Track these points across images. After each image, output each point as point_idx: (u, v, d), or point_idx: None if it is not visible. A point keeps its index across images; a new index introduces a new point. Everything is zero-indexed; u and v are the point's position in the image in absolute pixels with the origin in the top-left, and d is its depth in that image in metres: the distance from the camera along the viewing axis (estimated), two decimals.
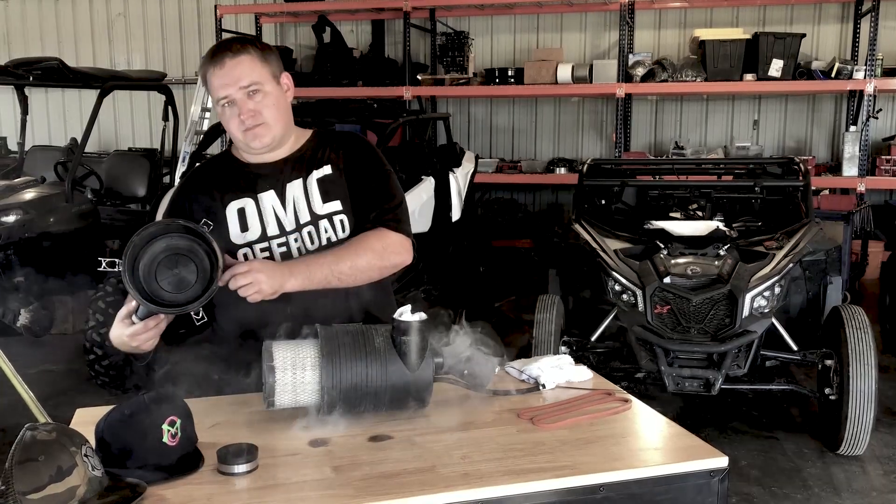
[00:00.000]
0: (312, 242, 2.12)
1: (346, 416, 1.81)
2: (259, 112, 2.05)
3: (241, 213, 2.12)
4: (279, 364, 1.75)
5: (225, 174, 2.18)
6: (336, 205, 2.13)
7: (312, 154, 2.18)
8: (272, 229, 2.12)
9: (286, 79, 2.14)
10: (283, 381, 1.74)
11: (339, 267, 2.03)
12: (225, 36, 8.80)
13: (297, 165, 2.16)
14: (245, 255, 2.10)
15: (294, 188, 2.14)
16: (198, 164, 2.49)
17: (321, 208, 2.13)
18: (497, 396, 1.98)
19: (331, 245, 2.11)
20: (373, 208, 2.13)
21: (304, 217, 2.12)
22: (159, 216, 5.13)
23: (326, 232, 2.12)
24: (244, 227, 2.11)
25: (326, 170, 2.16)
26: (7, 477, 1.35)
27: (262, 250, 2.11)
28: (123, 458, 1.53)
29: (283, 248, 2.11)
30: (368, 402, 1.79)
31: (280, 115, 2.11)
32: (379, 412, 1.83)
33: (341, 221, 2.13)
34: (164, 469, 1.54)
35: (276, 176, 2.15)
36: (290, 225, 2.12)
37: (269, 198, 2.13)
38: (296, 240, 2.12)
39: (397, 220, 2.15)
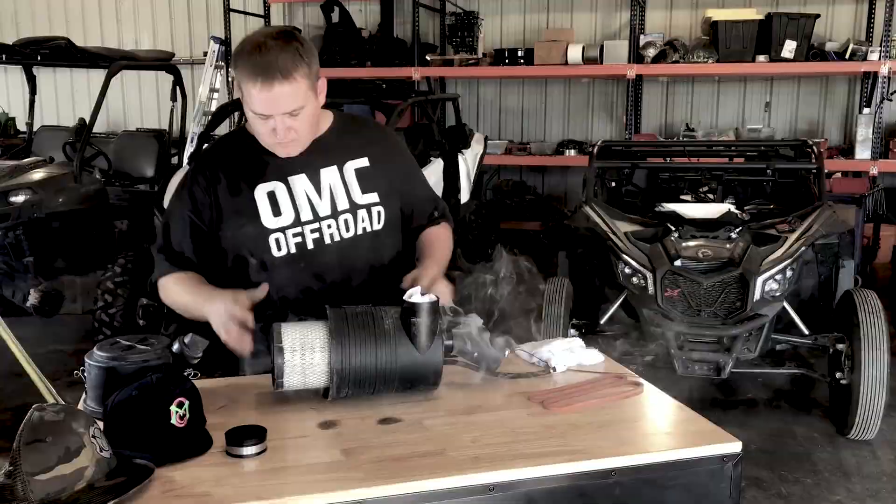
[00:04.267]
0: (348, 230, 2.11)
1: (356, 398, 1.80)
2: (295, 129, 2.00)
3: (272, 196, 2.08)
4: (287, 345, 1.73)
5: (248, 155, 2.10)
6: (374, 196, 2.15)
7: (340, 140, 2.16)
8: (306, 215, 2.09)
9: (322, 84, 2.05)
10: (291, 363, 1.73)
11: (446, 262, 2.18)
12: (234, 18, 8.76)
13: (328, 151, 2.13)
14: (277, 241, 2.07)
15: (329, 174, 2.12)
16: (211, 143, 2.41)
17: (360, 198, 2.13)
18: (507, 380, 1.97)
19: (366, 232, 2.13)
20: (426, 207, 2.25)
21: (343, 204, 2.11)
22: (167, 197, 5.12)
23: (363, 221, 2.13)
24: (276, 211, 2.07)
25: (363, 161, 2.16)
26: (15, 458, 1.34)
27: (295, 235, 2.08)
28: (131, 440, 1.52)
29: (316, 234, 2.09)
30: (378, 384, 1.78)
31: (312, 125, 2.07)
32: (389, 394, 1.82)
33: (378, 213, 2.15)
34: (172, 451, 1.53)
35: (306, 160, 2.10)
36: (324, 211, 2.10)
37: (300, 182, 2.10)
38: (329, 226, 2.10)
39: (447, 215, 2.28)
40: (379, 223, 2.14)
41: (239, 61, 1.94)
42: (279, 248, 2.07)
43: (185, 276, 2.10)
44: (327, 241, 2.10)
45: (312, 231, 2.09)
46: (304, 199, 2.09)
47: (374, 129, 2.26)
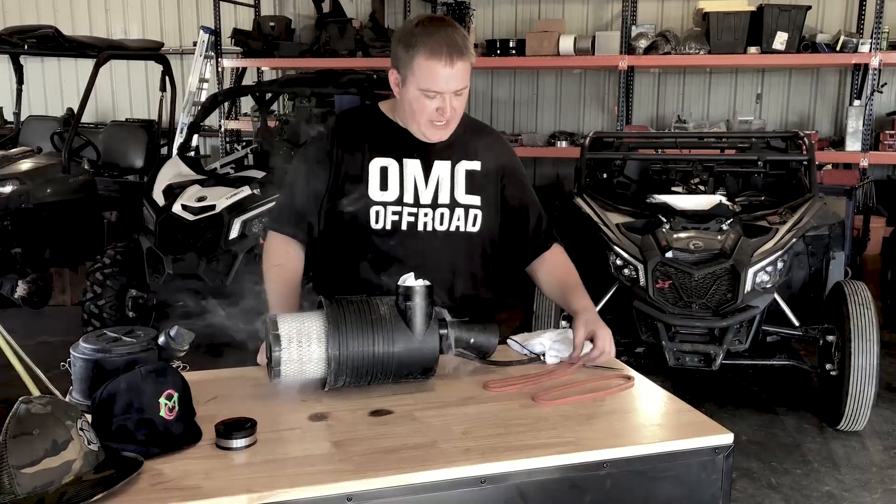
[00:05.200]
0: (441, 224, 2.16)
1: (353, 388, 1.80)
2: (455, 109, 2.08)
3: (384, 171, 2.15)
4: (284, 335, 1.73)
5: (375, 129, 2.19)
6: (476, 199, 2.19)
7: (461, 139, 2.20)
8: (408, 197, 2.15)
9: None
10: (288, 353, 1.72)
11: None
12: (224, 7, 8.70)
13: (448, 146, 2.18)
14: (377, 213, 2.13)
15: (441, 168, 2.17)
16: (340, 113, 2.49)
17: (463, 198, 2.18)
18: (498, 372, 1.96)
19: (458, 231, 2.17)
20: (540, 225, 2.28)
21: (444, 198, 2.16)
22: (156, 188, 5.09)
23: (459, 220, 2.18)
24: (384, 186, 2.14)
25: (476, 165, 2.21)
26: (1, 451, 1.32)
27: (393, 213, 2.14)
28: (120, 432, 1.51)
29: (412, 219, 2.14)
30: (376, 371, 1.77)
31: (463, 109, 2.16)
32: (381, 386, 1.81)
33: (475, 216, 2.19)
34: (161, 443, 1.51)
35: (425, 147, 2.16)
36: (426, 199, 2.15)
37: (413, 166, 2.16)
38: (426, 215, 2.15)
39: (556, 235, 2.32)
40: (474, 226, 2.19)
41: (415, 39, 2.01)
42: (377, 221, 2.13)
43: (287, 266, 2.18)
44: (420, 227, 2.15)
45: (409, 214, 2.14)
46: (411, 183, 2.15)
47: (494, 137, 2.31)
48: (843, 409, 3.95)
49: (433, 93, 2.03)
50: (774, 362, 4.21)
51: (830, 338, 4.03)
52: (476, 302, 2.17)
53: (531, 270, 2.32)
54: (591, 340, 2.03)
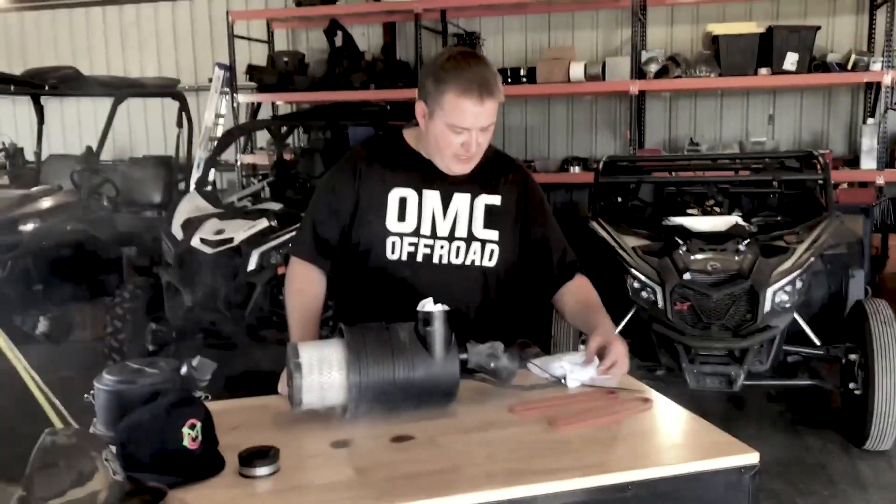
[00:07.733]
0: (457, 257, 2.17)
1: (374, 415, 1.80)
2: (480, 144, 2.09)
3: (403, 202, 2.16)
4: (305, 363, 1.73)
5: (397, 158, 2.21)
6: (494, 234, 2.19)
7: (482, 171, 2.20)
8: (425, 228, 2.16)
9: None
10: (309, 381, 1.73)
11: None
12: (238, 44, 8.83)
13: (469, 179, 2.18)
14: (393, 244, 2.14)
15: (460, 201, 2.18)
16: (364, 140, 2.49)
17: (480, 232, 2.18)
18: (520, 396, 1.96)
19: (473, 265, 2.17)
20: (563, 259, 2.29)
21: (461, 232, 2.17)
22: (175, 223, 5.14)
23: (475, 254, 2.18)
24: (402, 216, 2.15)
25: (496, 199, 2.21)
26: (28, 483, 1.33)
27: (410, 244, 2.15)
28: (144, 462, 1.52)
29: (427, 251, 2.15)
30: (396, 398, 1.77)
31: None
32: (407, 409, 1.81)
33: (492, 251, 2.19)
34: (185, 473, 1.52)
35: (446, 178, 2.17)
36: (443, 231, 2.16)
37: (432, 197, 2.17)
38: (442, 247, 2.16)
39: (580, 266, 2.32)
40: (490, 261, 2.19)
41: (446, 75, 2.02)
42: (393, 252, 2.15)
43: (308, 292, 2.20)
44: (435, 260, 2.15)
45: (426, 246, 2.15)
46: (429, 214, 2.16)
47: (517, 171, 2.30)
48: (868, 429, 3.90)
49: (460, 129, 2.03)
50: (796, 382, 4.17)
51: (853, 356, 4.00)
52: (492, 335, 2.16)
53: (554, 300, 2.32)
54: (603, 352, 2.01)
